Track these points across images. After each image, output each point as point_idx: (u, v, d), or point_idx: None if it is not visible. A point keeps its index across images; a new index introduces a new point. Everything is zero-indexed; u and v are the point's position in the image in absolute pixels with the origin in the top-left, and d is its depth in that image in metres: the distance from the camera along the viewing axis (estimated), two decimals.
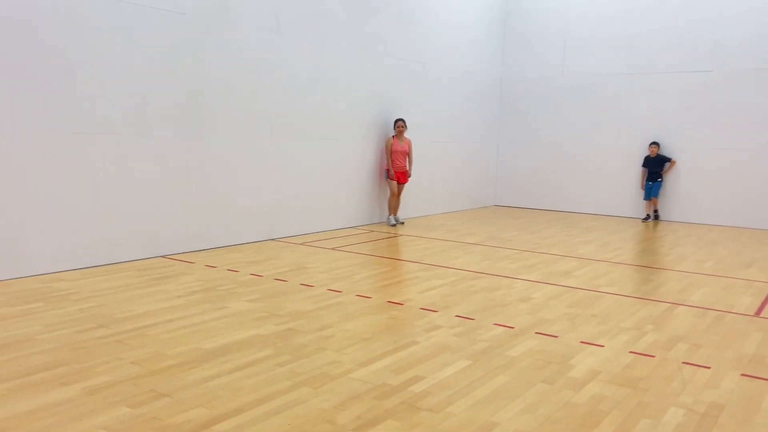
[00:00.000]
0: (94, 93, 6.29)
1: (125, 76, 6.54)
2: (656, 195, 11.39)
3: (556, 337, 4.58)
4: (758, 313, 5.40)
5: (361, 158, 9.74)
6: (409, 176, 10.15)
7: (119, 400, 3.31)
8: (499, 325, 4.84)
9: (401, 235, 9.17)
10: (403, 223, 10.16)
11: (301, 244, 8.10)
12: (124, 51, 6.50)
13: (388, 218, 10.00)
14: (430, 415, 3.24)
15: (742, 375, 3.92)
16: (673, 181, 11.40)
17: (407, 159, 10.00)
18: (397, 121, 9.87)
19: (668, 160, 11.27)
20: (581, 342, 4.48)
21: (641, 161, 11.53)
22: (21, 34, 5.71)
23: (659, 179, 11.33)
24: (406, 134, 9.98)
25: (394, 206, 9.99)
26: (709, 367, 4.03)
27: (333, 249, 7.83)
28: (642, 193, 11.58)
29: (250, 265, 6.73)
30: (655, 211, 11.49)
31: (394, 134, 9.87)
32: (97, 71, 6.30)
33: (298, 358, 3.99)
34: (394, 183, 9.88)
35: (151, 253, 6.93)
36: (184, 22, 7.04)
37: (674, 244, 8.91)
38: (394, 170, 9.86)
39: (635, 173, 11.68)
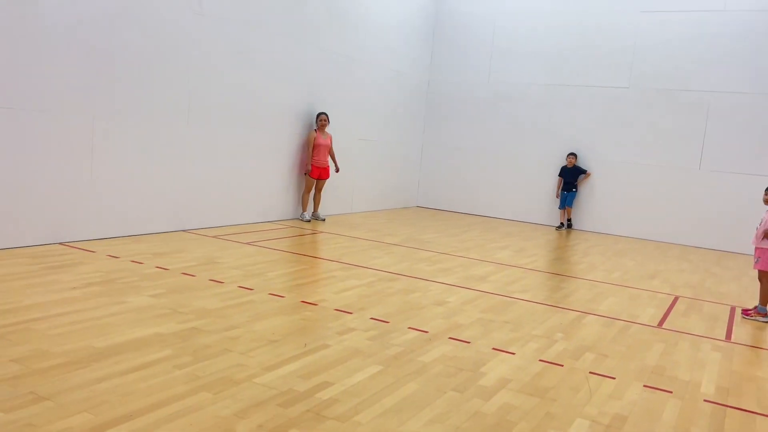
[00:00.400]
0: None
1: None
2: (570, 204, 11.75)
3: (468, 342, 4.55)
4: (660, 324, 5.60)
5: (283, 150, 9.47)
6: (337, 170, 9.97)
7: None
8: (414, 329, 4.76)
9: (321, 232, 8.98)
10: (323, 219, 9.97)
11: (213, 237, 7.76)
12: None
13: (302, 214, 9.77)
14: (336, 424, 3.10)
15: (645, 386, 4.01)
16: (587, 191, 11.80)
17: (329, 154, 9.82)
18: (320, 114, 9.66)
19: (584, 171, 11.65)
20: (493, 348, 4.47)
21: (558, 171, 11.86)
22: None
23: (574, 189, 11.70)
24: (328, 129, 9.80)
25: (307, 202, 9.77)
26: (614, 378, 4.10)
27: (248, 243, 7.55)
28: (557, 201, 11.92)
29: (156, 257, 6.35)
30: (569, 219, 11.86)
31: (316, 128, 9.66)
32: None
33: (200, 360, 3.74)
34: (312, 179, 9.67)
35: (47, 240, 6.41)
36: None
37: (585, 253, 9.19)
38: (316, 165, 9.65)
39: (552, 182, 12.00)
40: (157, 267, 5.94)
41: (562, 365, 4.25)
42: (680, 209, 10.99)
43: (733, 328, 5.68)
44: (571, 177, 11.67)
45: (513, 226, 11.51)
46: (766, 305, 5.91)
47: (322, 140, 9.66)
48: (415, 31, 12.46)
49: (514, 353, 4.41)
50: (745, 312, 6.05)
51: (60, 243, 6.51)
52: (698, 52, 10.82)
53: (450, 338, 4.62)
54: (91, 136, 6.71)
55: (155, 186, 7.51)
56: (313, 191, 9.88)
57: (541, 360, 4.32)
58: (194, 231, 7.97)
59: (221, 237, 7.78)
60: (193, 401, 3.20)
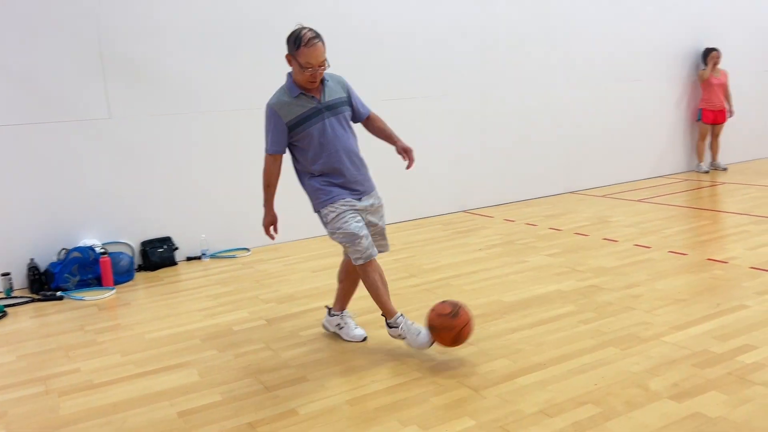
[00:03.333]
0: (395, 63, 6.75)
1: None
2: None
3: None
4: None
5: (670, 97, 8.71)
6: (731, 114, 8.77)
7: (432, 346, 3.56)
8: None
9: (722, 183, 8.01)
10: (725, 169, 8.87)
11: (602, 196, 7.66)
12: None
13: (698, 165, 8.82)
14: (765, 390, 2.78)
15: None
16: None
17: (725, 94, 8.64)
18: (711, 50, 8.55)
19: None
20: None
21: None
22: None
23: None
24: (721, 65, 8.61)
25: (703, 151, 8.77)
26: None
27: (639, 201, 7.22)
28: None
29: (548, 218, 6.61)
30: None
31: (705, 67, 8.59)
32: (399, 43, 6.73)
33: (603, 317, 3.79)
34: (706, 125, 8.64)
35: (455, 208, 7.28)
36: None
37: None
38: (709, 109, 8.61)
39: None
40: (551, 228, 6.18)
41: None
42: None
43: None
44: None
45: None
46: None
47: (714, 79, 8.56)
48: None
49: None
50: None
51: (464, 211, 7.32)
52: None
53: None
54: (481, 111, 7.31)
55: (542, 150, 7.77)
56: (709, 138, 8.86)
57: None
58: (582, 192, 8.00)
59: (610, 196, 7.63)
60: (601, 355, 3.27)
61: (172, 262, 5.74)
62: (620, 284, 4.37)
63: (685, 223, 6.09)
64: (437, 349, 3.48)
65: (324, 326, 3.91)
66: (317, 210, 3.51)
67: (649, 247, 5.26)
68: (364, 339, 3.71)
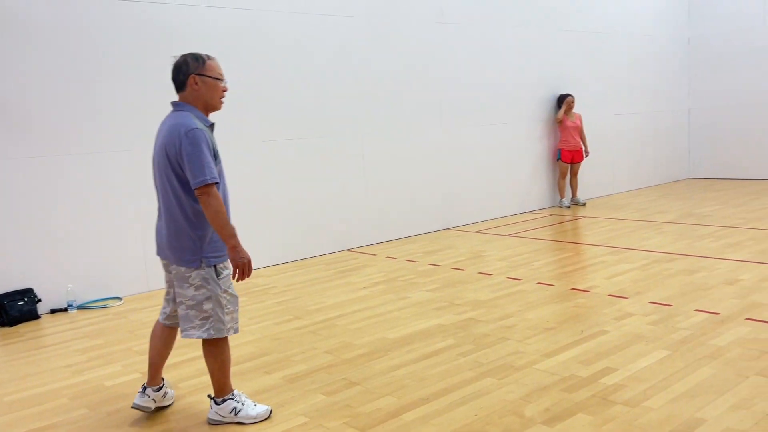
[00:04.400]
0: (279, 102, 6.79)
1: (304, 83, 6.98)
2: None
3: None
4: None
5: (532, 138, 9.42)
6: (587, 154, 9.62)
7: (316, 388, 3.55)
8: (702, 311, 4.39)
9: (582, 217, 8.72)
10: (584, 204, 9.66)
11: (476, 232, 8.06)
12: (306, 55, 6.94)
13: (560, 201, 9.58)
14: (625, 409, 3.04)
15: None
16: None
17: (580, 135, 9.49)
18: (566, 96, 9.39)
19: None
20: None
21: None
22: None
23: None
24: (576, 110, 9.48)
25: (563, 187, 9.54)
26: None
27: (509, 235, 7.68)
28: None
29: (427, 255, 6.84)
30: None
31: (562, 111, 9.40)
32: (282, 81, 6.80)
33: (481, 348, 3.97)
34: (565, 164, 9.44)
35: (338, 248, 7.34)
36: (353, 25, 7.32)
37: None
38: (567, 149, 9.41)
39: None
40: (430, 264, 6.40)
41: None
42: None
43: None
44: None
45: None
46: None
47: (570, 122, 9.39)
48: None
49: None
50: None
51: (347, 249, 7.40)
52: None
53: (748, 319, 4.16)
54: (361, 155, 7.51)
55: (419, 190, 8.08)
56: (568, 176, 9.64)
57: None
58: (459, 228, 8.37)
59: (483, 231, 8.04)
60: (480, 386, 3.42)
61: (34, 316, 5.29)
62: (495, 316, 4.60)
63: (551, 256, 6.55)
64: (326, 390, 3.48)
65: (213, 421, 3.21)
66: (211, 264, 3.08)
67: (520, 279, 5.59)
68: (270, 412, 3.25)
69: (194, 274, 3.07)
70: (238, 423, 3.16)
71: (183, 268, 3.07)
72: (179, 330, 3.23)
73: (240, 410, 3.17)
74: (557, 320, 4.42)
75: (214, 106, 3.14)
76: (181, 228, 3.05)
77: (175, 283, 3.15)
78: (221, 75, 3.12)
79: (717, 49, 11.53)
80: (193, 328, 3.09)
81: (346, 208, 7.42)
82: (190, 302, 3.09)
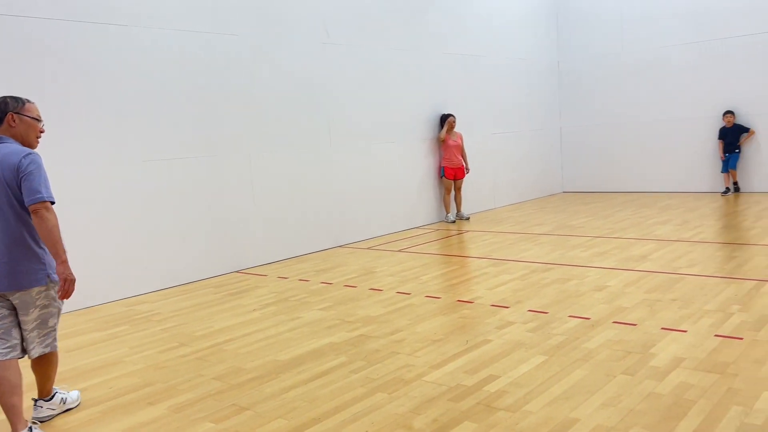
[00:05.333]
0: (162, 120, 6.57)
1: (193, 101, 6.80)
2: (734, 167, 10.80)
3: (635, 325, 4.42)
4: None
5: (419, 156, 9.72)
6: (467, 171, 10.05)
7: (203, 416, 3.44)
8: (575, 317, 4.72)
9: (467, 231, 9.09)
10: (468, 218, 10.07)
11: (367, 248, 8.17)
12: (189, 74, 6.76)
13: (446, 216, 9.95)
14: (507, 414, 3.20)
15: None
16: (752, 150, 10.78)
17: (461, 153, 9.92)
18: (447, 116, 9.79)
19: (746, 130, 10.66)
20: (662, 329, 4.30)
21: (717, 133, 10.96)
22: (78, 67, 6.03)
23: (737, 150, 10.74)
24: (457, 129, 9.91)
25: (449, 203, 9.92)
26: None
27: (399, 251, 7.86)
28: (720, 165, 11.00)
29: (319, 273, 6.84)
30: (735, 183, 10.90)
31: (444, 130, 9.79)
32: (164, 99, 6.58)
33: (372, 364, 4.03)
34: (449, 180, 9.82)
35: (227, 269, 7.16)
36: (237, 44, 7.24)
37: (758, 217, 8.42)
38: (449, 167, 9.80)
39: (710, 146, 11.11)
40: (322, 282, 6.41)
41: (742, 338, 4.00)
42: None
43: None
44: (732, 137, 10.73)
45: (671, 198, 10.81)
46: None
47: (451, 141, 9.79)
48: (537, 15, 12.19)
49: (685, 331, 4.22)
50: None
51: (237, 271, 7.24)
52: None
53: (614, 322, 4.52)
54: (249, 173, 7.40)
55: (309, 208, 8.08)
56: (452, 192, 10.03)
57: (717, 335, 4.10)
58: (350, 245, 8.45)
59: (374, 248, 8.17)
60: (371, 402, 3.46)
61: None
62: (386, 331, 4.69)
63: (438, 269, 6.77)
64: (214, 418, 3.38)
65: (39, 420, 3.50)
66: (54, 280, 3.32)
67: (409, 294, 5.73)
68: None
69: (43, 294, 3.31)
70: (67, 410, 3.61)
71: (33, 290, 3.27)
72: (29, 351, 3.39)
73: (66, 398, 3.61)
74: (444, 332, 4.58)
75: (30, 144, 3.42)
76: (26, 249, 3.26)
77: (19, 312, 3.31)
78: (39, 116, 3.45)
79: (583, 74, 12.51)
80: (39, 345, 3.38)
81: (235, 229, 7.27)
82: (36, 322, 3.34)
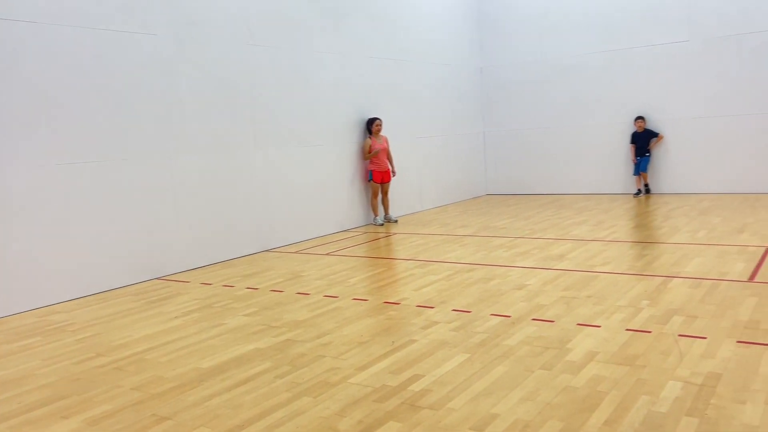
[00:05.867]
0: (76, 122, 6.28)
1: (104, 103, 6.54)
2: (645, 170, 11.42)
3: (552, 322, 4.60)
4: (752, 278, 5.43)
5: (346, 160, 9.74)
6: (393, 174, 10.14)
7: (121, 428, 3.32)
8: (496, 315, 4.86)
9: (394, 233, 9.18)
10: (396, 221, 10.17)
11: (295, 252, 8.11)
12: (101, 77, 6.50)
13: (374, 219, 10.02)
14: (430, 412, 3.26)
15: (738, 342, 3.94)
16: (662, 153, 11.43)
17: (388, 157, 10.02)
18: (374, 120, 9.87)
19: (655, 134, 11.30)
20: (578, 324, 4.50)
21: (629, 138, 11.55)
22: None
23: (647, 154, 11.36)
24: (383, 132, 10.00)
25: (376, 206, 9.99)
26: (705, 338, 4.05)
27: (327, 254, 7.84)
28: (633, 167, 11.60)
29: (245, 278, 6.74)
30: (646, 185, 11.52)
31: (370, 134, 9.87)
32: (78, 100, 6.29)
33: (298, 368, 4.00)
34: (376, 184, 9.90)
35: (146, 276, 6.93)
36: (157, 43, 7.03)
37: (667, 217, 8.94)
38: (377, 170, 9.87)
39: (623, 150, 11.70)
40: (248, 288, 6.31)
41: (650, 331, 4.24)
42: (764, 156, 10.45)
43: None
44: (642, 142, 11.34)
45: (588, 200, 11.31)
46: None
47: (378, 145, 9.87)
48: (460, 22, 12.49)
49: (599, 326, 4.43)
50: None
51: (157, 278, 7.01)
52: None
53: (533, 319, 4.68)
54: (170, 176, 7.19)
55: (235, 212, 7.94)
56: (380, 195, 10.10)
57: (627, 329, 4.32)
58: (277, 250, 8.35)
59: (302, 252, 8.12)
60: (296, 406, 3.44)
61: None
62: (312, 335, 4.67)
63: (366, 272, 6.80)
64: (132, 429, 3.26)
65: None
66: None
67: (336, 297, 5.73)
68: None
69: None
70: None
71: None
72: None
73: None
74: (371, 334, 4.61)
75: None
76: None
77: None
78: None
79: (505, 79, 12.90)
80: None
81: (155, 234, 7.04)
82: None
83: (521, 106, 12.79)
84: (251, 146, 8.17)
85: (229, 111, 7.88)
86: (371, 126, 9.84)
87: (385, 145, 9.97)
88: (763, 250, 6.44)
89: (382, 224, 9.96)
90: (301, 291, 6.04)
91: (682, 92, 11.11)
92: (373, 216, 10.06)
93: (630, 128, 11.55)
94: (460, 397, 3.42)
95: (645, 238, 7.62)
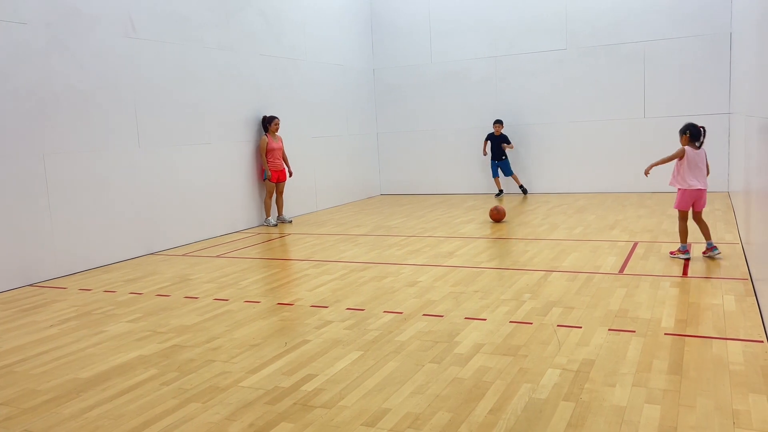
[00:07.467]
0: None
1: None
2: (510, 173, 11.98)
3: (441, 316, 4.74)
4: (621, 270, 5.88)
5: (238, 159, 9.52)
6: (290, 175, 10.05)
7: None
8: (389, 312, 4.94)
9: (288, 234, 9.09)
10: (290, 221, 10.07)
11: (183, 255, 7.81)
12: None
13: (266, 220, 9.87)
14: (323, 411, 3.26)
15: (610, 330, 4.25)
16: (541, 153, 12.11)
17: (283, 156, 9.91)
18: (272, 118, 9.73)
19: (508, 141, 11.88)
20: (465, 318, 4.67)
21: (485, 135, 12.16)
22: None
23: (504, 157, 11.93)
24: (278, 132, 9.89)
25: (270, 207, 9.86)
26: (580, 327, 4.34)
27: (218, 256, 7.62)
28: (486, 159, 12.21)
29: (128, 283, 6.40)
30: (521, 186, 12.09)
31: (266, 132, 9.73)
32: None
33: (185, 374, 3.86)
34: (272, 183, 9.76)
35: (17, 283, 6.41)
36: (28, 33, 6.53)
37: (547, 215, 9.48)
38: (274, 169, 9.74)
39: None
40: (131, 293, 6.00)
41: (531, 323, 4.48)
42: (632, 157, 11.35)
43: (689, 264, 5.99)
44: (496, 146, 11.87)
45: (475, 200, 11.76)
46: (684, 243, 6.19)
47: (275, 144, 9.74)
48: (352, 23, 12.57)
49: (485, 319, 4.62)
50: (672, 252, 6.35)
51: (30, 285, 6.51)
52: (628, 5, 11.19)
53: (424, 315, 4.80)
54: (43, 175, 6.70)
55: (116, 214, 7.52)
56: (274, 195, 9.96)
57: (511, 321, 4.54)
58: (163, 252, 8.01)
59: (191, 254, 7.84)
60: (183, 413, 3.32)
61: None
62: (201, 339, 4.52)
63: (258, 273, 6.68)
64: None
65: None
66: None
67: (227, 300, 5.59)
68: None
69: None
70: None
71: None
72: None
73: None
74: (263, 336, 4.53)
75: None
76: None
77: None
78: None
79: (396, 82, 13.15)
80: None
81: (26, 238, 6.53)
82: None
83: (411, 108, 13.08)
84: (134, 145, 7.78)
85: (110, 107, 7.46)
86: (269, 124, 9.68)
87: (281, 144, 9.85)
88: (631, 245, 6.99)
89: (276, 225, 9.83)
90: (189, 295, 5.83)
91: (560, 97, 11.83)
92: (265, 216, 9.90)
93: (512, 133, 12.14)
94: (353, 395, 3.44)
95: (527, 235, 8.04)
